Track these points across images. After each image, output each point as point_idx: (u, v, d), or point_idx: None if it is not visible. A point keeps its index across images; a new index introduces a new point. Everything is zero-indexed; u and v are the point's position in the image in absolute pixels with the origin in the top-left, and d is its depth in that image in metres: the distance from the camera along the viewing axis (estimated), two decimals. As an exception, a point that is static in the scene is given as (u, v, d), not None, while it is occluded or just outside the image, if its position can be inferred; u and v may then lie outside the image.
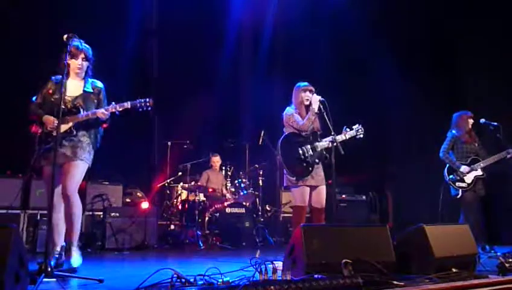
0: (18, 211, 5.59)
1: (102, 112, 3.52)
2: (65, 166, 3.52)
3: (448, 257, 3.03)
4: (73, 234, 3.52)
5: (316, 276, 2.40)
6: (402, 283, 2.54)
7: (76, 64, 3.62)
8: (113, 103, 3.59)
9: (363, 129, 4.35)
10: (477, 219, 5.39)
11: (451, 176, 5.54)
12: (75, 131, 3.53)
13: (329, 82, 7.39)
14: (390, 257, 2.88)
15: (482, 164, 5.48)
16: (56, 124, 3.34)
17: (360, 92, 8.27)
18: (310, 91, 4.34)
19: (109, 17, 6.94)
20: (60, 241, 3.55)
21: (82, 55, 3.62)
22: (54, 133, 3.36)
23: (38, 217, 5.52)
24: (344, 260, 2.56)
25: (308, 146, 4.21)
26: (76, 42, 3.53)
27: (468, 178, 5.47)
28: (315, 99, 4.22)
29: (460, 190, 5.45)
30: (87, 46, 3.68)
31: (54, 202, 3.38)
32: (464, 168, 5.47)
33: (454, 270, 2.97)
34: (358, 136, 4.32)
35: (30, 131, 3.60)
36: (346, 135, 4.29)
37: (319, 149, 4.22)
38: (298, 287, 2.16)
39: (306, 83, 4.39)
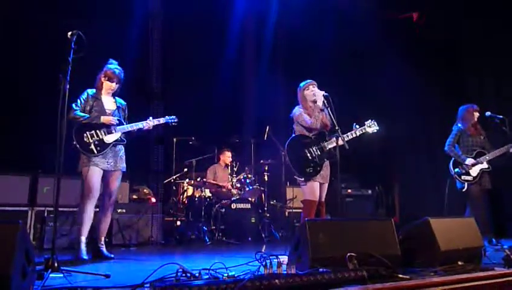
0: (26, 208, 5.65)
1: (147, 123, 4.18)
2: (110, 175, 4.08)
3: (454, 250, 3.02)
4: (105, 231, 4.23)
5: (321, 270, 2.40)
6: (407, 276, 2.54)
7: (111, 86, 4.14)
8: (151, 117, 4.25)
9: (376, 124, 4.35)
10: (484, 212, 5.37)
11: (456, 170, 5.51)
12: (125, 140, 4.13)
13: (334, 76, 7.39)
14: (396, 251, 2.88)
15: (487, 157, 5.46)
16: (112, 121, 4.02)
17: (366, 87, 8.25)
18: (313, 86, 4.36)
19: (112, 14, 6.95)
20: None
21: (116, 79, 4.14)
22: (107, 141, 4.00)
23: (46, 213, 5.57)
24: (349, 254, 2.56)
25: (315, 147, 4.25)
26: (113, 66, 4.12)
27: (474, 171, 5.45)
28: (319, 95, 4.23)
29: (466, 183, 5.43)
30: (119, 68, 4.16)
31: (93, 205, 4.00)
32: (469, 161, 5.45)
33: (460, 263, 2.97)
34: (373, 131, 4.32)
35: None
36: (357, 131, 4.30)
37: (327, 149, 4.25)
38: (303, 281, 2.17)
39: (307, 81, 4.40)
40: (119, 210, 5.84)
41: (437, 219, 3.11)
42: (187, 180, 7.08)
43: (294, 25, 8.38)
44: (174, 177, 7.13)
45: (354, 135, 4.28)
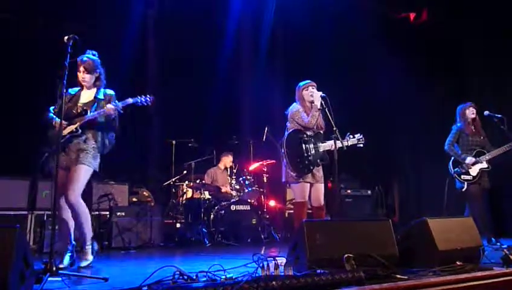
0: (25, 212, 5.65)
1: (110, 107, 3.60)
2: (70, 170, 3.60)
3: (452, 250, 3.02)
4: (82, 237, 3.67)
5: (318, 271, 2.40)
6: (405, 277, 2.54)
7: (81, 77, 3.77)
8: (117, 101, 3.69)
9: (363, 139, 4.39)
10: (483, 211, 5.37)
11: (456, 169, 5.51)
12: (80, 130, 3.61)
13: (332, 76, 7.40)
14: (394, 251, 2.88)
15: (487, 156, 5.45)
16: (58, 127, 3.43)
17: (365, 88, 8.26)
18: (312, 87, 4.37)
19: (108, 14, 6.96)
20: (71, 241, 3.68)
21: (82, 68, 3.75)
22: (63, 133, 3.54)
23: (45, 217, 5.57)
24: (346, 255, 2.56)
25: (312, 145, 4.26)
26: (82, 56, 3.71)
27: (474, 171, 5.44)
28: (316, 96, 4.24)
29: (465, 183, 5.42)
30: (92, 57, 3.79)
31: (60, 203, 3.54)
32: (469, 160, 5.44)
33: (458, 263, 2.97)
34: (358, 145, 4.37)
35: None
36: (348, 142, 4.32)
37: (321, 150, 4.27)
38: (300, 282, 2.18)
39: (307, 81, 4.42)
40: (118, 213, 5.84)
41: (435, 219, 3.12)
42: (186, 182, 7.09)
43: (292, 25, 8.39)
44: (173, 179, 7.13)
45: (346, 144, 4.25)
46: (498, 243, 4.88)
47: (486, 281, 2.68)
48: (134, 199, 6.84)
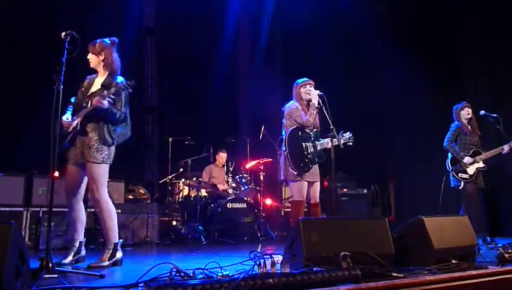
0: (20, 209, 5.63)
1: (95, 99, 3.42)
2: (81, 167, 3.60)
3: (448, 249, 3.03)
4: (106, 236, 3.66)
5: (315, 269, 2.41)
6: (401, 275, 2.55)
7: (89, 58, 3.73)
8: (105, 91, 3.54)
9: (353, 138, 4.42)
10: (478, 210, 5.42)
11: (454, 167, 5.53)
12: (79, 126, 3.52)
13: (331, 75, 7.40)
14: (390, 249, 2.88)
15: (483, 156, 5.48)
16: (68, 124, 3.53)
17: (361, 87, 8.27)
18: (310, 85, 4.37)
19: (106, 13, 6.93)
20: (79, 238, 3.66)
21: (90, 49, 3.70)
22: (69, 130, 3.54)
23: (41, 214, 5.55)
24: (342, 253, 2.57)
25: (310, 143, 4.30)
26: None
27: (471, 169, 5.47)
28: (314, 94, 4.25)
29: (462, 181, 5.45)
30: (101, 40, 3.72)
31: (71, 201, 3.59)
32: (467, 159, 5.47)
33: (454, 261, 2.97)
34: (348, 143, 4.38)
35: None
36: (341, 140, 4.33)
37: (319, 148, 4.30)
38: (296, 280, 2.17)
39: (305, 79, 4.42)
40: (114, 210, 5.82)
41: (431, 217, 3.12)
42: (183, 180, 7.08)
43: (290, 24, 8.39)
44: (169, 177, 7.12)
45: (340, 142, 4.27)
46: (493, 243, 4.90)
47: (481, 280, 2.69)
48: (130, 197, 6.82)
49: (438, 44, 7.78)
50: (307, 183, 4.26)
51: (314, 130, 4.39)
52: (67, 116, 3.59)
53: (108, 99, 3.44)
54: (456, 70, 7.80)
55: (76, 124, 3.52)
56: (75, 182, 3.61)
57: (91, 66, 3.75)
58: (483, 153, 5.50)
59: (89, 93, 3.62)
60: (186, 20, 7.62)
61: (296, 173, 4.21)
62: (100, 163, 3.55)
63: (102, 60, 3.71)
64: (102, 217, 3.63)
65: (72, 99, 3.72)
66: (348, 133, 4.43)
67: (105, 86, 3.61)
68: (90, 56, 3.73)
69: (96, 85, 3.70)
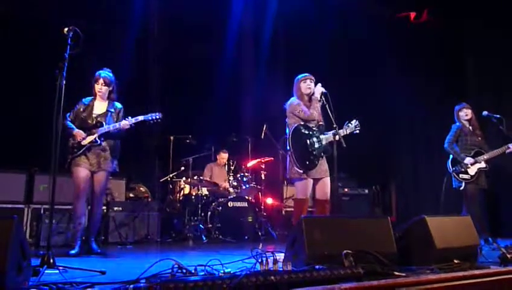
0: (22, 206, 5.63)
1: (124, 123, 4.22)
2: (95, 175, 4.26)
3: (450, 248, 3.02)
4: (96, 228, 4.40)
5: (316, 267, 2.40)
6: (403, 274, 2.54)
7: (98, 88, 4.32)
8: (129, 117, 4.28)
9: (359, 125, 4.37)
10: (480, 211, 5.40)
11: (455, 168, 5.52)
12: (99, 141, 4.22)
13: (332, 75, 7.38)
14: (392, 248, 2.88)
15: (485, 157, 5.47)
16: (83, 137, 4.20)
17: (364, 87, 8.25)
18: (310, 80, 4.35)
19: (109, 14, 6.94)
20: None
21: (101, 81, 4.31)
22: (83, 143, 4.19)
23: (42, 211, 5.55)
24: (345, 251, 2.56)
25: (315, 139, 4.24)
26: (100, 71, 4.33)
27: (472, 170, 5.46)
28: (318, 90, 4.24)
29: (463, 182, 5.44)
30: (109, 73, 4.36)
31: (83, 201, 4.23)
32: (468, 160, 5.46)
33: (456, 261, 2.96)
34: (355, 132, 4.35)
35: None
36: (347, 130, 4.30)
37: (324, 142, 4.24)
38: (299, 277, 2.16)
39: (305, 74, 4.40)
40: (115, 208, 5.83)
41: (433, 217, 3.11)
42: (184, 178, 7.07)
43: (292, 23, 8.38)
44: (171, 175, 7.12)
45: (346, 133, 4.27)
46: (495, 244, 4.88)
47: (483, 279, 2.67)
48: (131, 195, 6.83)
49: (441, 44, 7.76)
50: (312, 181, 4.20)
51: (319, 124, 4.34)
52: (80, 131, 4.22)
53: (131, 123, 4.25)
54: (459, 70, 7.79)
55: (95, 139, 4.20)
56: (88, 186, 4.25)
57: (99, 94, 4.33)
58: (485, 154, 5.49)
59: (95, 115, 4.29)
60: (189, 19, 7.61)
61: (301, 171, 4.16)
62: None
63: (110, 90, 4.39)
64: (94, 218, 4.34)
65: (67, 115, 4.28)
66: (354, 121, 4.36)
67: (112, 111, 4.38)
68: (103, 88, 4.32)
69: (100, 108, 4.36)
